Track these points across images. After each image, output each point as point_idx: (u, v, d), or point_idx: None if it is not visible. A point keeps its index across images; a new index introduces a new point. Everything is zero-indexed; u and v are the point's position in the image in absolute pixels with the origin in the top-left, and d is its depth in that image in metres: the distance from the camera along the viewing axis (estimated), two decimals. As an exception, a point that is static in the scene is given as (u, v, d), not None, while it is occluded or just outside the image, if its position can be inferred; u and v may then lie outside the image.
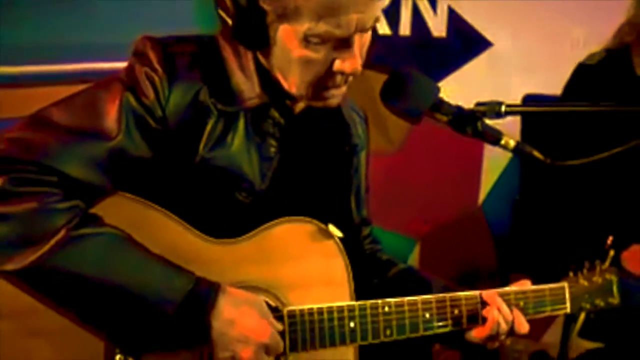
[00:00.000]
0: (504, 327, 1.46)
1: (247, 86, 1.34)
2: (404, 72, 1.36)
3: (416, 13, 2.73)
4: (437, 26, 2.77)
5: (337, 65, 1.27)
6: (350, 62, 1.26)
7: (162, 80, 1.27)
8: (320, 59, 1.26)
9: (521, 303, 1.51)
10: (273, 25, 1.25)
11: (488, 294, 1.48)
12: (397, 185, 2.88)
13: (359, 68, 1.28)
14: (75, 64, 2.09)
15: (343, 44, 1.25)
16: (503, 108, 1.33)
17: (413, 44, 2.75)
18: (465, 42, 2.82)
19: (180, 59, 1.30)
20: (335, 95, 1.33)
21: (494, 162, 2.93)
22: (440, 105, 1.35)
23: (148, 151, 1.27)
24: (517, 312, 1.48)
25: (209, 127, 1.31)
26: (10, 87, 2.01)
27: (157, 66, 1.27)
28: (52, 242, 1.14)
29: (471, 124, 1.34)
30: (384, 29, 2.73)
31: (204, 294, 1.22)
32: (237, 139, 1.33)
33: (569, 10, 2.91)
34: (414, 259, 2.97)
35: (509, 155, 2.86)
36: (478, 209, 2.99)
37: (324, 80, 1.29)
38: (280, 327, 1.30)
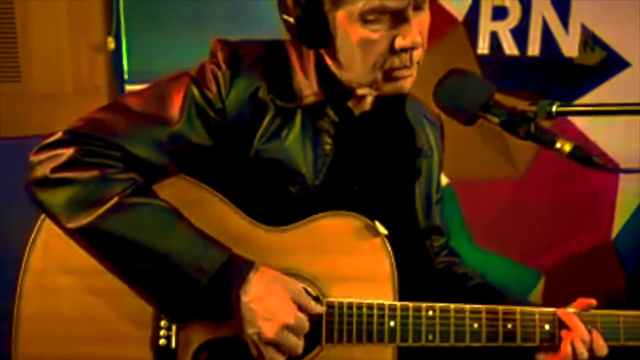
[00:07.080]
0: (584, 353, 1.38)
1: (306, 84, 1.41)
2: (457, 71, 1.34)
3: (546, 32, 2.63)
4: (569, 46, 2.65)
5: (398, 41, 1.31)
6: (410, 36, 1.31)
7: (225, 76, 1.38)
8: (379, 38, 1.31)
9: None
10: (330, 14, 1.33)
11: (566, 314, 1.40)
12: (522, 212, 2.76)
13: (419, 40, 1.32)
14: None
15: (399, 19, 1.30)
16: (554, 108, 1.26)
17: (542, 64, 2.65)
18: (599, 63, 2.66)
19: (245, 59, 1.41)
20: (405, 76, 1.36)
21: (630, 193, 2.69)
22: (491, 106, 1.31)
23: (208, 139, 1.38)
24: (595, 334, 1.39)
25: (265, 121, 1.39)
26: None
27: (222, 64, 1.39)
28: (107, 206, 1.28)
29: (523, 125, 1.29)
30: (511, 49, 2.66)
31: (237, 268, 1.29)
32: (293, 134, 1.40)
33: None
34: (537, 291, 2.82)
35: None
36: (609, 242, 2.76)
37: (389, 60, 1.34)
38: (319, 309, 1.33)
